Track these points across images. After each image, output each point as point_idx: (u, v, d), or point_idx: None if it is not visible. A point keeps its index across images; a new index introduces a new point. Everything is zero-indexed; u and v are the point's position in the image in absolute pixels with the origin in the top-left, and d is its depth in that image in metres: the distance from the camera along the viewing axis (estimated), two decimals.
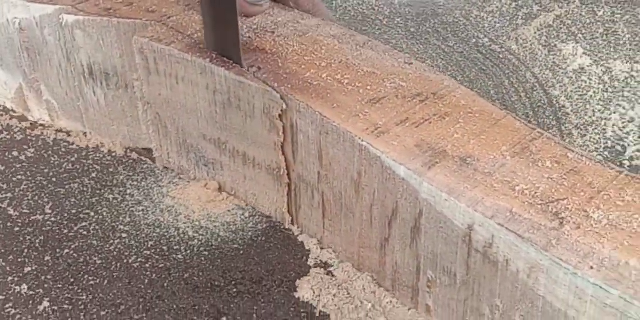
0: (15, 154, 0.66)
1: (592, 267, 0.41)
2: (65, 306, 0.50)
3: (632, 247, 0.42)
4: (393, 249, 0.52)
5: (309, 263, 0.55)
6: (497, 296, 0.46)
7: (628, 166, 0.63)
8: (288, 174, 0.58)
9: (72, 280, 0.52)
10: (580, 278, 0.41)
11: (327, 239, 0.58)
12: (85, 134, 0.70)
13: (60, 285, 0.52)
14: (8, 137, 0.69)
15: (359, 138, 0.51)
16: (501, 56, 0.77)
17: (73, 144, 0.68)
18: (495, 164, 0.48)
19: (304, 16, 0.64)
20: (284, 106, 0.55)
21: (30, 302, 0.50)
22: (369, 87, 0.55)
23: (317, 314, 0.51)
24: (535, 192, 0.46)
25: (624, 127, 0.67)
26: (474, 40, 0.79)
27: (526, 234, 0.43)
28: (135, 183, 0.63)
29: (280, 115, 0.55)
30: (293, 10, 0.65)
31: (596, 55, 0.77)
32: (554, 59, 0.76)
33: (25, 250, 0.55)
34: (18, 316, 0.49)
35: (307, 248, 0.56)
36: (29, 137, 0.69)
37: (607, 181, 0.47)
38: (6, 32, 0.69)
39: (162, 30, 0.62)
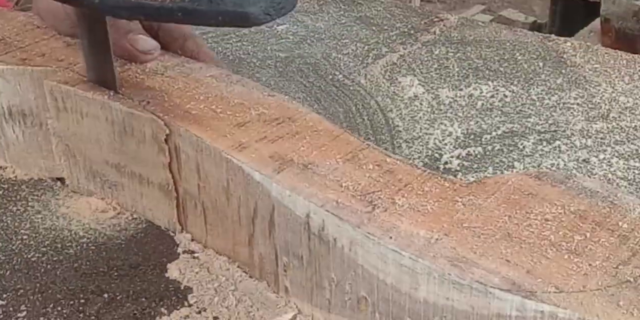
0: None
1: (390, 237, 0.54)
2: None
3: (423, 222, 0.55)
4: (257, 242, 0.64)
5: (178, 251, 0.68)
6: (332, 270, 0.59)
7: (442, 168, 0.78)
8: (176, 189, 0.70)
9: None
10: (383, 246, 0.54)
11: (209, 241, 0.70)
12: (5, 167, 0.82)
13: None
14: None
15: (225, 152, 0.64)
16: (351, 88, 0.93)
17: None
18: (330, 168, 0.62)
19: (189, 61, 0.78)
20: (167, 131, 0.67)
21: None
22: (237, 114, 0.68)
23: (182, 288, 0.64)
24: (357, 187, 0.59)
25: (442, 140, 0.83)
26: (330, 77, 0.95)
27: (346, 217, 0.56)
28: (36, 197, 0.75)
29: (165, 139, 0.68)
30: (180, 56, 0.78)
31: (428, 85, 0.93)
32: (394, 89, 0.92)
33: None
34: None
35: (177, 241, 0.69)
36: None
37: (413, 177, 0.60)
38: None
39: (69, 74, 0.74)
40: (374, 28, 1.08)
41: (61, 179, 0.79)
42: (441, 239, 0.54)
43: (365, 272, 0.56)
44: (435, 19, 1.11)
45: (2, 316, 0.61)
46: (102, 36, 0.69)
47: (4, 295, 0.63)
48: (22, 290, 0.63)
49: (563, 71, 0.96)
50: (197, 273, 0.66)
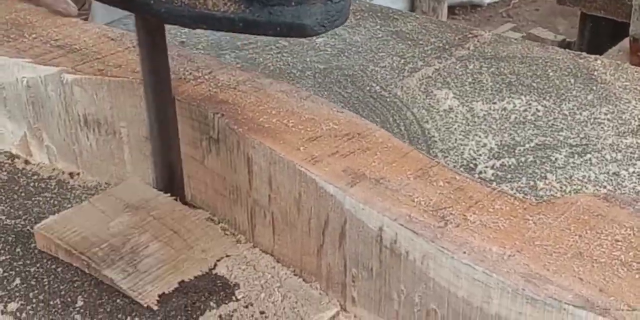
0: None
1: (464, 252, 0.56)
2: None
3: (495, 239, 0.57)
4: (326, 253, 0.67)
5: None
6: (401, 282, 0.61)
7: (477, 178, 0.80)
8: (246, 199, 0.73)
9: None
10: (457, 260, 0.56)
11: (277, 251, 0.72)
12: (78, 173, 0.85)
13: None
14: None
15: (299, 165, 0.66)
16: (388, 100, 0.96)
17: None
18: (401, 183, 0.64)
19: (259, 76, 0.80)
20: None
21: None
22: (308, 129, 0.71)
23: (230, 284, 0.69)
24: (429, 203, 0.61)
25: (477, 150, 0.86)
26: (368, 88, 0.99)
27: (419, 231, 0.58)
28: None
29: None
30: (251, 71, 0.81)
31: (463, 98, 0.96)
32: (429, 101, 0.96)
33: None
34: None
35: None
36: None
37: (483, 195, 0.62)
38: (15, 89, 0.84)
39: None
40: (409, 42, 1.11)
41: None
42: (514, 255, 0.55)
43: (437, 285, 0.58)
44: (469, 35, 1.14)
45: (60, 306, 0.65)
46: (162, 45, 0.71)
47: (61, 287, 0.67)
48: (78, 282, 0.67)
49: (594, 88, 0.99)
50: (243, 270, 0.69)
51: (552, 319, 0.52)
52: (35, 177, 0.84)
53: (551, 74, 1.02)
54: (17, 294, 0.66)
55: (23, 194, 0.81)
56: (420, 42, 1.11)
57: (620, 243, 0.56)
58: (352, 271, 0.65)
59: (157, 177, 0.77)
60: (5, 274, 0.68)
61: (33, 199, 0.80)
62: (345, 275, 0.66)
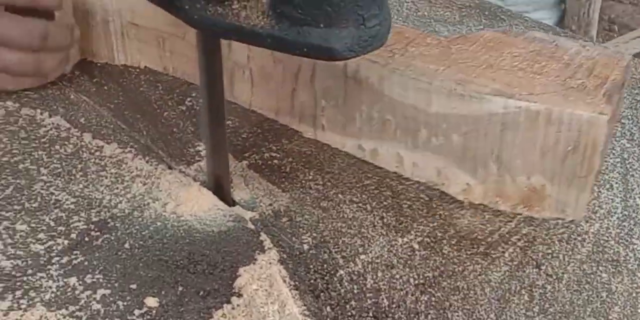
0: None
1: (410, 70, 0.77)
2: None
3: (430, 61, 0.79)
4: (299, 94, 0.87)
5: (256, 257, 0.69)
6: (363, 103, 0.82)
7: None
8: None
9: None
10: (405, 77, 0.77)
11: (254, 102, 0.92)
12: None
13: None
14: None
15: None
16: None
17: None
18: None
19: None
20: None
21: None
22: None
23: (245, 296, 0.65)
24: None
25: None
26: None
27: (375, 60, 0.79)
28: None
29: None
30: None
31: None
32: None
33: None
34: None
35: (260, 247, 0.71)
36: None
37: (416, 35, 0.84)
38: None
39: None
40: None
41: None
42: (445, 70, 0.77)
43: (390, 99, 0.79)
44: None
45: (80, 293, 0.64)
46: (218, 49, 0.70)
47: (88, 276, 0.66)
48: (106, 271, 0.66)
49: None
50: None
51: (476, 108, 0.74)
52: None
53: None
54: None
55: None
56: None
57: (517, 57, 0.79)
58: (322, 103, 0.85)
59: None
60: None
61: None
62: (315, 109, 0.86)
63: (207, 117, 0.72)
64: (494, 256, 0.73)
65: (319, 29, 0.54)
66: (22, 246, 0.69)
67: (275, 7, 0.55)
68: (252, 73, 0.90)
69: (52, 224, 0.72)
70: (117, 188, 0.77)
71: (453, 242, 0.74)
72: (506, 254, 0.73)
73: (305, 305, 0.66)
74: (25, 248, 0.69)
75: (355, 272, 0.70)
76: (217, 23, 0.58)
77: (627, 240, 0.76)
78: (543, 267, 0.72)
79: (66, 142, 0.83)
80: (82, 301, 0.64)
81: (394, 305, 0.67)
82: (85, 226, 0.72)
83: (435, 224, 0.76)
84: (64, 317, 0.62)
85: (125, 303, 0.64)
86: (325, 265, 0.70)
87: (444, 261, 0.72)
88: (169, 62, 0.98)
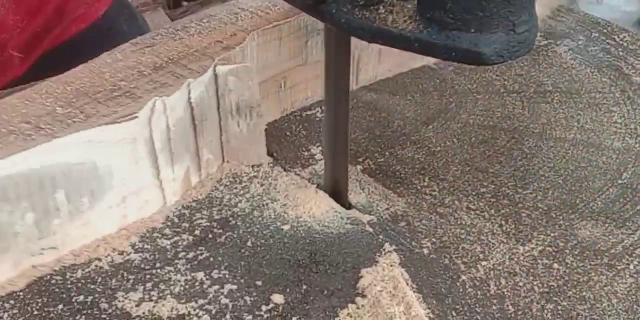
0: None
1: None
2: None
3: None
4: None
5: (377, 259, 0.70)
6: None
7: None
8: None
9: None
10: None
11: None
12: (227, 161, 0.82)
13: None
14: None
15: None
16: None
17: None
18: None
19: None
20: None
21: None
22: None
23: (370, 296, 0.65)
24: None
25: None
26: None
27: None
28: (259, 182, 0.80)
29: None
30: None
31: None
32: None
33: None
34: None
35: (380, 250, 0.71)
36: None
37: None
38: None
39: None
40: None
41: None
42: None
43: None
44: None
45: (207, 287, 0.66)
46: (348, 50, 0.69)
47: (214, 271, 0.67)
48: (231, 267, 0.68)
49: None
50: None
51: None
52: None
53: None
54: None
55: None
56: None
57: None
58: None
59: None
60: None
61: None
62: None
63: (331, 119, 0.72)
64: (618, 268, 0.71)
65: (469, 34, 0.54)
66: (148, 240, 0.70)
67: (424, 12, 0.55)
68: None
69: (176, 220, 0.73)
70: (236, 188, 0.78)
71: (576, 253, 0.72)
72: (631, 266, 0.71)
73: (429, 308, 0.65)
74: (152, 242, 0.70)
75: (478, 278, 0.69)
76: (364, 27, 0.58)
77: None
78: None
79: None
80: (211, 295, 0.65)
81: (519, 312, 0.66)
82: (208, 223, 0.73)
83: (555, 233, 0.75)
84: (194, 310, 0.63)
85: (252, 298, 0.64)
86: (446, 270, 0.70)
87: (567, 271, 0.70)
88: None
